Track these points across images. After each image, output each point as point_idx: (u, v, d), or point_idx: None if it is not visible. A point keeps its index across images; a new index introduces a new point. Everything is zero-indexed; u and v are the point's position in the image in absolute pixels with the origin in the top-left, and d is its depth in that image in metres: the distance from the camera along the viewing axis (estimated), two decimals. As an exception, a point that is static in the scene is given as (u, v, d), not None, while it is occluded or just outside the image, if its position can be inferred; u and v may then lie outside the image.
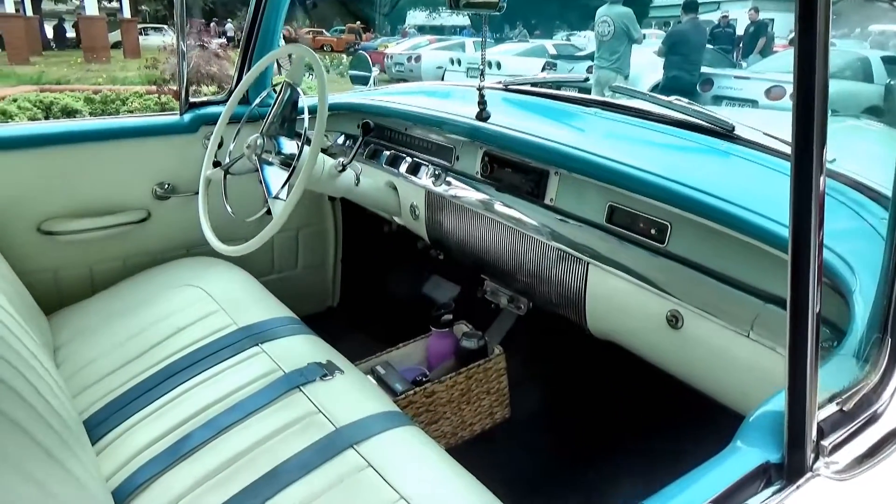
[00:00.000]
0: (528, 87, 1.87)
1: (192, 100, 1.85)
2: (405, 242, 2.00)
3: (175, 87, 6.03)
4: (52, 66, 11.50)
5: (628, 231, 1.18)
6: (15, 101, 6.23)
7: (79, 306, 1.57)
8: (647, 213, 1.15)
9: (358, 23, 24.42)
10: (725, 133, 1.35)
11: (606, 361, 1.49)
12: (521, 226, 1.41)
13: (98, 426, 1.16)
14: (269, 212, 1.39)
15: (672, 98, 1.44)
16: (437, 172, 1.61)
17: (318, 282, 2.22)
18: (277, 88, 1.57)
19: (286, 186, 1.39)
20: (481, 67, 1.41)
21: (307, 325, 1.43)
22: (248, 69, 1.81)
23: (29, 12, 16.70)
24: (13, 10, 14.59)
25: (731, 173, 1.24)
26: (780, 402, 0.66)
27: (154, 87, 7.21)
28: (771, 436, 0.65)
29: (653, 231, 1.14)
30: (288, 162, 1.47)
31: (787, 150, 0.57)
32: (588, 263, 1.27)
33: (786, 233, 0.58)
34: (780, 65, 7.45)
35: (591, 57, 7.12)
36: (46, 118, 6.13)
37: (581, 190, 1.28)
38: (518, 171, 1.40)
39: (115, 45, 15.20)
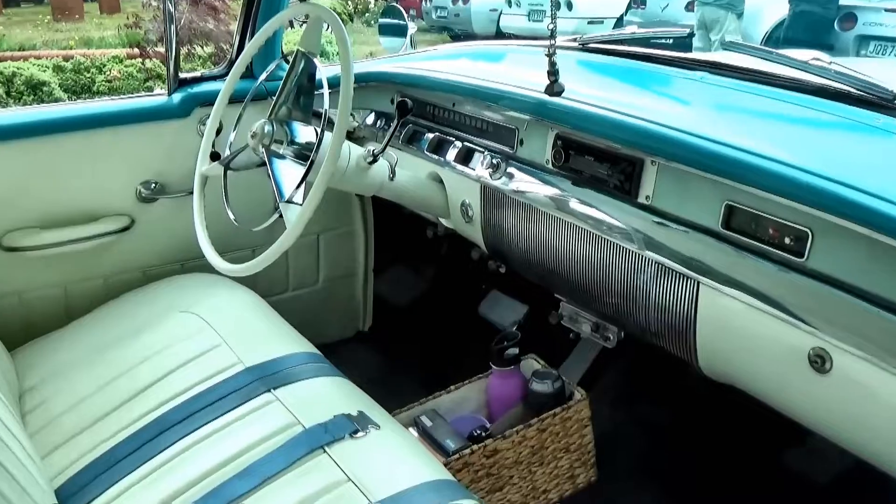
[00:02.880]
0: (612, 46, 1.86)
1: (183, 75, 1.90)
2: (454, 251, 2.01)
3: (163, 49, 6.20)
4: (15, 28, 11.97)
5: (753, 240, 1.16)
6: (-36, 76, 6.53)
7: (50, 339, 1.62)
8: (778, 216, 1.12)
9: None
10: (885, 103, 1.30)
11: (724, 411, 1.46)
12: (606, 231, 1.40)
13: (74, 497, 1.19)
14: (281, 217, 1.42)
15: (809, 57, 1.40)
16: (495, 161, 1.61)
17: (344, 300, 2.25)
18: (289, 59, 1.58)
19: (302, 185, 1.40)
20: (551, 26, 1.39)
21: (332, 358, 1.45)
22: (252, 35, 1.84)
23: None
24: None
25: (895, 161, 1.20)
26: None
27: (137, 50, 7.44)
28: None
29: (787, 240, 1.11)
30: (304, 153, 1.48)
31: None
32: (698, 282, 1.25)
33: None
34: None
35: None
36: (7, 95, 6.40)
37: (687, 184, 1.25)
38: (602, 159, 1.39)
39: (90, -1, 15.76)
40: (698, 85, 1.57)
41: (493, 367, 1.77)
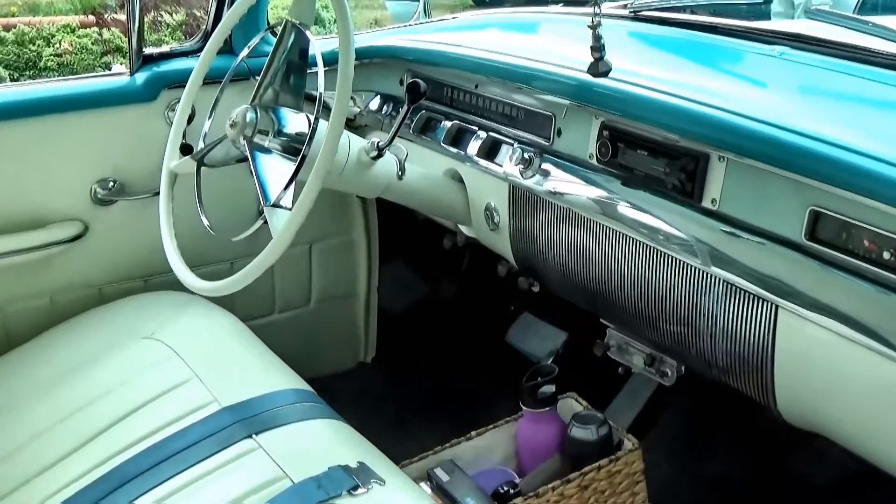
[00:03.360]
0: (670, 14, 1.85)
1: (148, 50, 1.91)
2: (477, 265, 2.01)
3: (125, 17, 6.22)
4: (-54, -9, 12.16)
5: (844, 254, 1.14)
6: None
7: (-15, 371, 1.65)
8: (876, 224, 1.11)
9: None
10: None
11: (807, 463, 1.45)
12: (662, 242, 1.40)
13: None
14: (266, 224, 1.43)
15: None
16: (527, 155, 1.62)
17: (342, 325, 2.26)
18: (277, 31, 1.59)
19: (292, 185, 1.41)
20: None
21: (326, 396, 1.46)
22: (231, 1, 1.84)
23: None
24: None
25: None
26: None
27: (92, 17, 7.50)
28: None
29: (886, 255, 1.10)
30: (294, 146, 1.49)
31: None
32: (777, 306, 1.24)
33: None
34: None
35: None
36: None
37: (763, 185, 1.25)
38: (658, 153, 1.39)
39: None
40: (776, 62, 1.55)
41: (525, 408, 1.76)
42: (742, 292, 1.29)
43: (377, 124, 1.98)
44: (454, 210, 1.79)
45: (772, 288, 1.24)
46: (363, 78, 1.94)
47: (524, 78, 1.61)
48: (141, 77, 1.86)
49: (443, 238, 2.12)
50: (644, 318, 1.51)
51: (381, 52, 1.94)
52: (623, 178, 1.46)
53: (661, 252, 1.41)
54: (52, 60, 6.91)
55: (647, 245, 1.44)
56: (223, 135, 1.54)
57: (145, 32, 1.96)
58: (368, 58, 1.93)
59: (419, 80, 1.63)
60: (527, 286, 2.02)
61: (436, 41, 1.87)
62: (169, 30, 6.94)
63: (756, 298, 1.27)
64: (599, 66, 1.43)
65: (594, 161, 1.50)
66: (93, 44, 7.08)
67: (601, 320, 1.76)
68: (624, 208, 1.46)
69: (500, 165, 1.67)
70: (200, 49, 1.82)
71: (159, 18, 6.80)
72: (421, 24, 2.09)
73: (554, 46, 1.74)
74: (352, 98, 1.94)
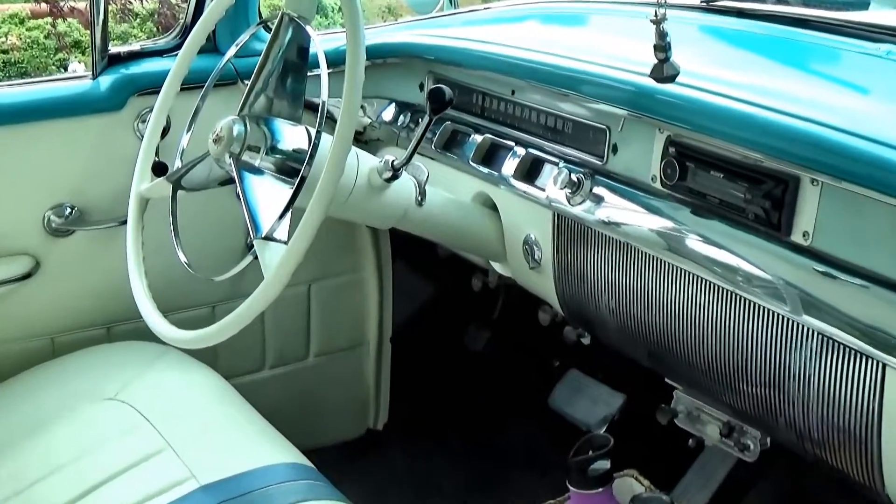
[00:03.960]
0: (752, 5, 1.85)
1: (115, 48, 1.92)
2: (513, 311, 2.00)
3: (85, 6, 6.28)
4: None
5: None
6: None
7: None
8: None
9: None
10: None
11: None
12: (743, 284, 1.39)
13: None
14: (256, 260, 1.44)
15: None
16: (575, 177, 1.61)
17: (348, 383, 2.26)
18: (271, 25, 1.61)
19: (288, 214, 1.42)
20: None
21: (329, 472, 1.45)
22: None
23: None
24: None
25: None
26: None
27: (46, 6, 7.59)
28: None
29: None
30: (291, 166, 1.51)
31: None
32: (884, 364, 1.22)
33: None
34: None
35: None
36: None
37: (866, 215, 1.23)
38: (736, 176, 1.38)
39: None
40: (882, 63, 1.54)
41: (572, 487, 1.76)
42: (841, 347, 1.28)
43: (392, 139, 2.00)
44: (485, 243, 1.80)
45: (878, 342, 1.22)
46: (375, 82, 1.95)
47: (572, 82, 1.62)
48: (106, 81, 1.89)
49: (471, 277, 2.13)
50: (720, 378, 1.50)
51: (398, 51, 1.95)
52: (693, 205, 1.46)
53: (740, 297, 1.40)
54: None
55: (723, 288, 1.43)
56: (205, 152, 1.55)
57: (110, 24, 1.98)
58: (382, 57, 1.95)
59: (443, 86, 1.64)
60: (575, 337, 2.01)
61: (464, 37, 1.87)
62: (138, 20, 7.00)
63: (858, 354, 1.26)
64: (665, 69, 1.41)
65: (658, 184, 1.50)
66: (46, 37, 7.12)
67: (666, 380, 1.76)
68: (694, 242, 1.45)
69: (543, 189, 1.67)
70: (178, 47, 1.87)
71: (128, 6, 6.86)
72: (446, 15, 2.10)
73: (609, 44, 1.74)
74: (361, 107, 1.95)
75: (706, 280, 1.45)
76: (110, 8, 1.91)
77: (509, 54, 1.74)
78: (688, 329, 1.51)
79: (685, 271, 1.48)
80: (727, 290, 1.42)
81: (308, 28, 1.56)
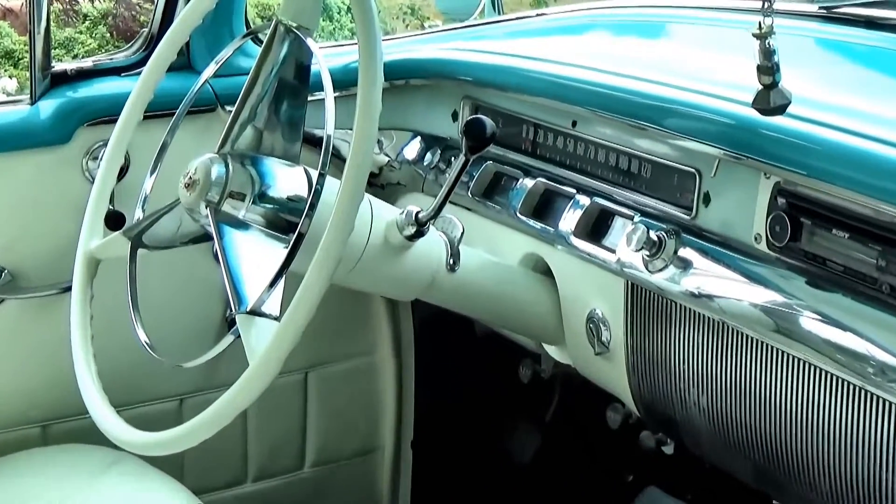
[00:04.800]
0: (885, 12, 1.83)
1: (60, 65, 1.95)
2: (572, 408, 2.03)
3: (22, 7, 6.33)
4: None
5: None
6: None
7: None
8: None
9: None
10: None
11: None
12: (873, 377, 1.34)
13: None
14: (239, 339, 1.44)
15: None
16: (655, 235, 1.60)
17: (356, 499, 2.27)
18: (262, 37, 1.63)
19: (281, 281, 1.43)
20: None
21: None
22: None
23: None
24: None
25: None
26: None
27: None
28: None
29: None
30: (285, 219, 1.53)
31: None
32: None
33: None
34: None
35: None
36: None
37: None
38: (865, 236, 1.36)
39: None
40: None
41: None
42: None
43: (416, 183, 2.00)
44: (537, 320, 1.80)
45: None
46: (396, 109, 1.98)
47: (652, 112, 1.61)
48: (47, 106, 1.90)
49: (518, 365, 2.12)
50: (845, 498, 1.46)
51: (425, 69, 1.96)
52: (809, 273, 1.43)
53: (871, 395, 1.36)
54: None
55: (848, 382, 1.40)
56: (174, 199, 1.58)
57: (52, 30, 2.02)
58: (404, 77, 1.96)
59: (483, 116, 1.66)
60: (654, 444, 1.98)
61: (510, 52, 1.88)
62: (87, 23, 7.11)
63: None
64: (772, 97, 1.40)
65: (763, 245, 1.49)
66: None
67: (774, 503, 1.73)
68: (811, 322, 1.41)
69: (613, 251, 1.66)
70: (141, 63, 1.86)
71: (73, 5, 6.94)
72: (486, 24, 2.12)
73: (698, 63, 1.73)
74: (378, 141, 2.00)
75: (827, 371, 1.41)
76: (52, 8, 1.94)
77: (570, 75, 1.74)
78: (803, 435, 1.46)
79: (800, 361, 1.45)
80: (854, 386, 1.38)
81: (309, 41, 1.55)
